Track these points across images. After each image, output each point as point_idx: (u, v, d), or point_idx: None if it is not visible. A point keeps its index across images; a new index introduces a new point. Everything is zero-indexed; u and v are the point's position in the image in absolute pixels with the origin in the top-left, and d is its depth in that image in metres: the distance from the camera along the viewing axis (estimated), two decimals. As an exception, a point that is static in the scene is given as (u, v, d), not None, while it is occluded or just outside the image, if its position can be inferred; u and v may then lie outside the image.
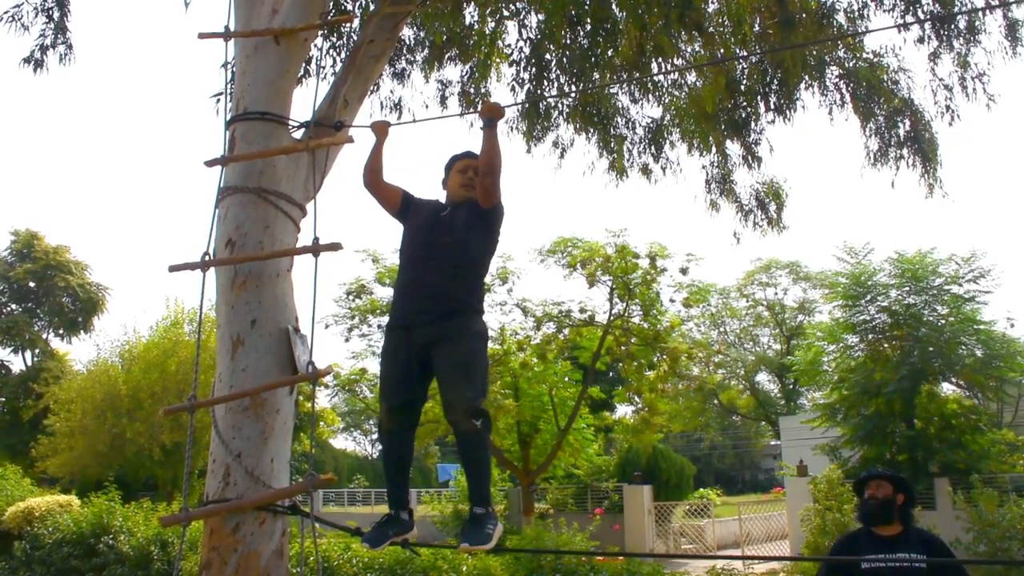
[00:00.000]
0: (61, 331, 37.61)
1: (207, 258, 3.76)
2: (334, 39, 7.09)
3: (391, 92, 7.96)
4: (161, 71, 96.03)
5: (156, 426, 23.59)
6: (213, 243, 3.85)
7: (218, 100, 6.57)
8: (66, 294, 36.92)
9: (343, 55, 7.01)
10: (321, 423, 35.76)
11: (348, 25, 6.74)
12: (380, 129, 4.38)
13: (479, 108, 4.58)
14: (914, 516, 4.55)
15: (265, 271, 3.87)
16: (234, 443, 3.60)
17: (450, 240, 3.99)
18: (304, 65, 5.89)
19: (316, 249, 3.80)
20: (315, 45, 4.78)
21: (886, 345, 18.94)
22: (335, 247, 3.82)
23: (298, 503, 3.80)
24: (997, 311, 54.78)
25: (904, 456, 17.76)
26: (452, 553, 11.13)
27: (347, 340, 20.38)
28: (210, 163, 3.98)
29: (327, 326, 20.33)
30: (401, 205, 4.25)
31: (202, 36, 4.22)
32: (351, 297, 20.05)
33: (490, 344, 20.60)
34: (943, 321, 18.55)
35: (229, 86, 4.32)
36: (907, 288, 18.81)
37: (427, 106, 8.13)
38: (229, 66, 4.37)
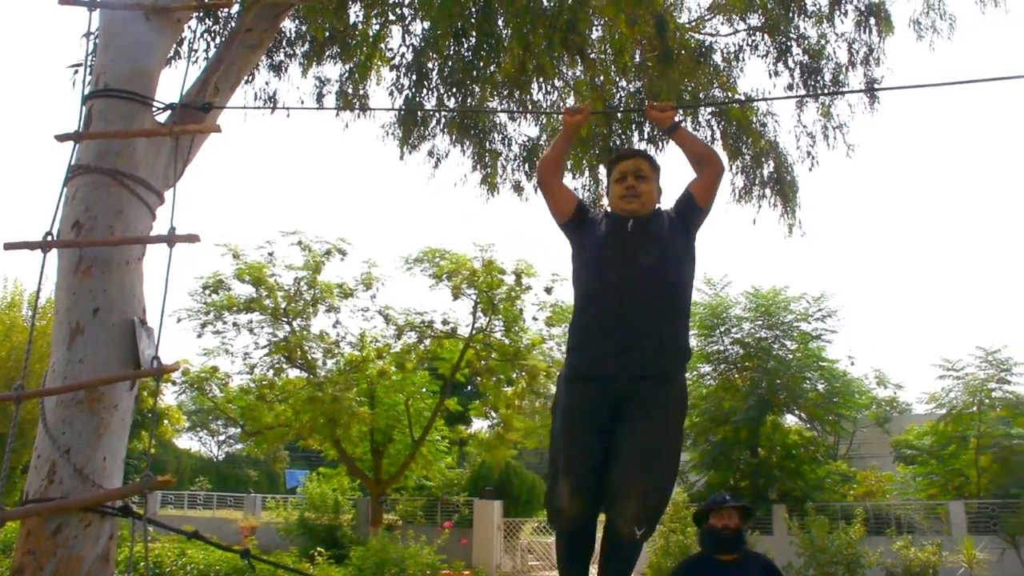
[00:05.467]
0: None
1: (50, 238, 3.50)
2: (210, 23, 6.80)
3: (266, 84, 7.71)
4: (12, 32, 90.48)
5: (-28, 416, 21.99)
6: (58, 223, 3.59)
7: (76, 71, 6.19)
8: None
9: (218, 41, 6.74)
10: (165, 421, 34.20)
11: (227, 10, 6.49)
12: (572, 121, 3.65)
13: (648, 113, 3.74)
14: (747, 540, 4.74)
15: (114, 258, 3.63)
16: (63, 438, 3.35)
17: (649, 262, 3.25)
18: (175, 47, 5.62)
19: (172, 239, 3.60)
20: (189, 27, 4.58)
21: (737, 376, 19.74)
22: (192, 239, 3.63)
23: (131, 504, 3.57)
24: (840, 350, 58.01)
25: (746, 482, 18.53)
26: (293, 564, 10.81)
27: (199, 336, 19.51)
28: (61, 138, 3.72)
29: (179, 320, 19.47)
30: (575, 213, 3.58)
31: (64, 2, 3.95)
32: (207, 291, 19.28)
33: (349, 350, 20.03)
34: (791, 356, 19.50)
35: (90, 58, 4.05)
36: (760, 322, 19.68)
37: (303, 102, 7.94)
38: (91, 37, 4.11)
